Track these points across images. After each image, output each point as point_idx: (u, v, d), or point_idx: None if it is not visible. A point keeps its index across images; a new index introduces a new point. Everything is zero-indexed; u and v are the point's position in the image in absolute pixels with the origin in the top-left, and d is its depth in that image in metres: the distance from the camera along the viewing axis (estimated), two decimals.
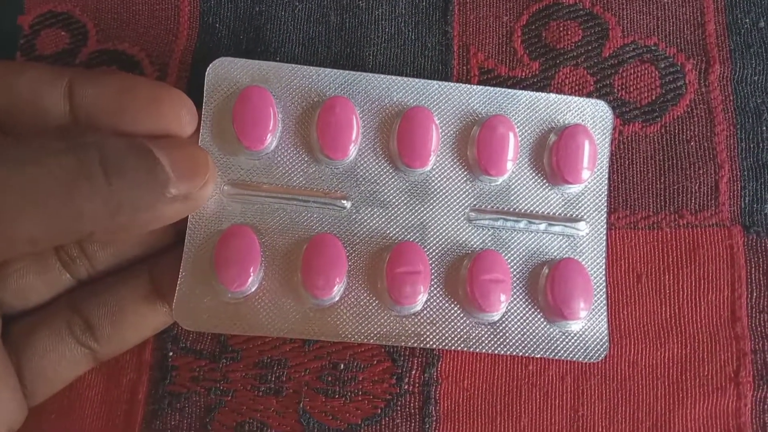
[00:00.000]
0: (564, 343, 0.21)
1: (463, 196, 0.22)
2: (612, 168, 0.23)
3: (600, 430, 0.21)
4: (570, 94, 0.23)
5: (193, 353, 0.22)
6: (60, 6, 0.25)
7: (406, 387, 0.21)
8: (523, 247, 0.21)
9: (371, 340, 0.21)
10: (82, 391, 0.22)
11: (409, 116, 0.21)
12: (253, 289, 0.20)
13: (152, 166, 0.18)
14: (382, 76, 0.22)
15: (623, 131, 0.23)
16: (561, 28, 0.24)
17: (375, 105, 0.22)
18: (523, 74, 0.24)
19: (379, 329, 0.20)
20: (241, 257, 0.20)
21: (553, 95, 0.22)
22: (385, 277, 0.20)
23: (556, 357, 0.21)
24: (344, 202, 0.21)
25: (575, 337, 0.21)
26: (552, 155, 0.22)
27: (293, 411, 0.21)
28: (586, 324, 0.21)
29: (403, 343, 0.20)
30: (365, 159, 0.22)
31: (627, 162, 0.23)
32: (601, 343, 0.21)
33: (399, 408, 0.21)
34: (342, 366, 0.22)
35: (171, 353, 0.22)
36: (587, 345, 0.21)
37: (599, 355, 0.21)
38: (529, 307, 0.21)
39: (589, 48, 0.24)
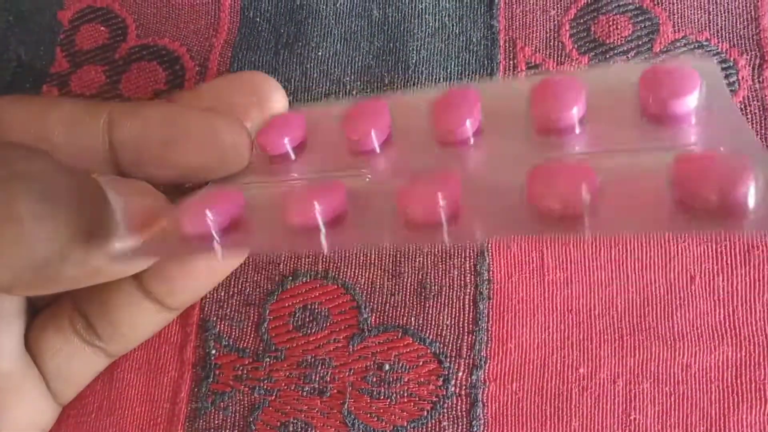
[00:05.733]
0: None
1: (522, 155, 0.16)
2: None
3: None
4: None
5: (236, 351, 0.22)
6: (99, 1, 0.25)
7: (452, 389, 0.21)
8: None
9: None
10: (123, 391, 0.22)
11: (447, 93, 0.18)
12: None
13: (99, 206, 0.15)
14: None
15: None
16: (610, 23, 0.23)
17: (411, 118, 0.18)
18: (572, 69, 0.23)
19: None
20: None
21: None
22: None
23: None
24: (367, 175, 0.18)
25: None
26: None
27: (338, 412, 0.21)
28: None
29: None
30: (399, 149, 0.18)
31: None
32: None
33: (446, 410, 0.21)
34: (387, 367, 0.21)
35: (214, 351, 0.22)
36: None
37: None
38: None
39: (640, 43, 0.23)
